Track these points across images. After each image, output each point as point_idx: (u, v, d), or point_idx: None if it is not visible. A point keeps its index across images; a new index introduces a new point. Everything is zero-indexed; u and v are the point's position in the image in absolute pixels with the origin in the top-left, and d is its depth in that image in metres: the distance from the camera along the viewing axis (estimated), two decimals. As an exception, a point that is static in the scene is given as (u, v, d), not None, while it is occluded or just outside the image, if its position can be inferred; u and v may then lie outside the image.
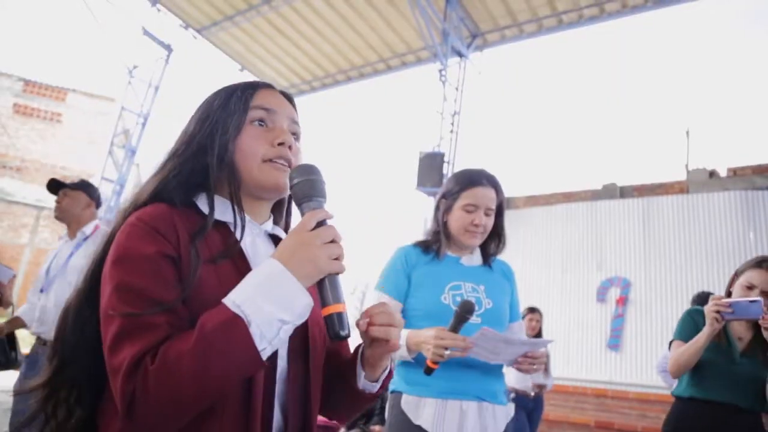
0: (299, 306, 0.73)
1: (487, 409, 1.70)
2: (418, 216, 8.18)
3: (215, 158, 0.88)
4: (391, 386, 1.78)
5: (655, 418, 6.13)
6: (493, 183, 1.84)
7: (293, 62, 10.30)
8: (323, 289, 0.77)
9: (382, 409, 4.67)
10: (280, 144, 0.90)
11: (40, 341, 2.60)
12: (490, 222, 1.84)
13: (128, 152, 9.92)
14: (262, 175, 0.89)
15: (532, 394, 4.63)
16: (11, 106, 16.15)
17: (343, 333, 0.76)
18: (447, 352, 1.52)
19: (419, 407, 1.67)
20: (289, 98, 0.99)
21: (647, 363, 6.56)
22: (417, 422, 1.65)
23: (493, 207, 1.83)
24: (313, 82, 10.84)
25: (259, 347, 0.70)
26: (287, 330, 0.73)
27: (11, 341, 4.20)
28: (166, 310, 0.73)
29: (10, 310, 4.41)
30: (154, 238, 0.78)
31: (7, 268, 4.33)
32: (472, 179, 1.83)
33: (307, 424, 0.89)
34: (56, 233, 15.56)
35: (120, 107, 10.17)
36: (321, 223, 0.78)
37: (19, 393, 0.88)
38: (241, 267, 0.81)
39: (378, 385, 0.98)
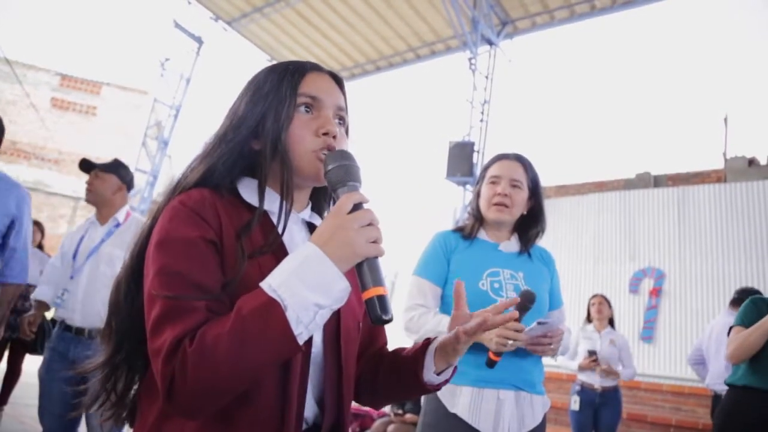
0: (336, 290, 0.71)
1: (525, 398, 1.68)
2: (447, 205, 8.16)
3: (268, 147, 0.86)
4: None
5: (689, 412, 6.02)
6: (519, 158, 1.85)
7: (322, 53, 10.32)
8: (362, 272, 0.75)
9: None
10: (324, 134, 0.88)
11: (62, 325, 2.47)
12: (517, 194, 1.80)
13: (161, 144, 10.13)
14: (307, 165, 0.88)
15: (598, 387, 4.23)
16: (49, 100, 16.58)
17: (385, 317, 0.73)
18: (510, 343, 1.52)
19: (455, 395, 1.65)
20: (338, 80, 0.96)
21: (681, 355, 6.42)
22: (453, 410, 1.64)
23: (520, 179, 1.81)
24: (342, 72, 10.84)
25: (296, 331, 0.69)
26: (323, 315, 0.72)
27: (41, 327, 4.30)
28: (208, 297, 0.74)
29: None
30: (196, 223, 0.78)
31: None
32: (498, 155, 1.88)
33: (341, 410, 0.89)
34: (92, 223, 15.94)
35: (153, 99, 10.39)
36: (357, 207, 0.76)
37: (82, 372, 0.90)
38: (280, 257, 0.78)
39: (442, 379, 0.95)
